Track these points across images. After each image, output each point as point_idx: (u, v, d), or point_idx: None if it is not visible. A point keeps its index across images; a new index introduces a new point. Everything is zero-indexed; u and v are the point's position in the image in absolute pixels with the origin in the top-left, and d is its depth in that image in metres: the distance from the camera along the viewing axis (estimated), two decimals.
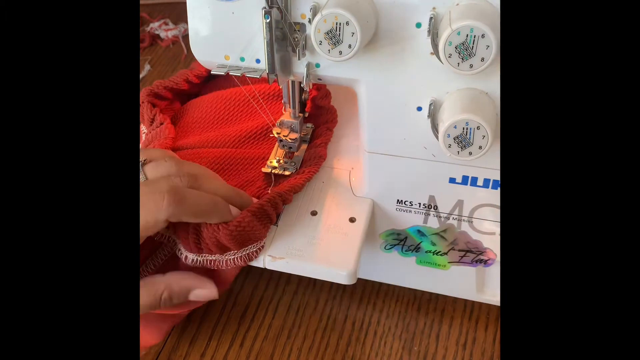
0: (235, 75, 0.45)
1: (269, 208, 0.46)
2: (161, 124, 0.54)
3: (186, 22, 0.87)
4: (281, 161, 0.53)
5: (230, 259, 0.45)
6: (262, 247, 0.47)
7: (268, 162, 0.53)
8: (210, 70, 0.58)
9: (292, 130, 0.52)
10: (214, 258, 0.46)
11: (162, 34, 0.86)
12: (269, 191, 0.50)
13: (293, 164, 0.52)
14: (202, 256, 0.46)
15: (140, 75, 0.81)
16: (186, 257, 0.46)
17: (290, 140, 0.52)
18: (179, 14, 0.89)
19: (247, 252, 0.46)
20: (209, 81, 0.62)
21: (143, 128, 0.57)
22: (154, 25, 0.87)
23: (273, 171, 0.52)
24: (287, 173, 0.52)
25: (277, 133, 0.52)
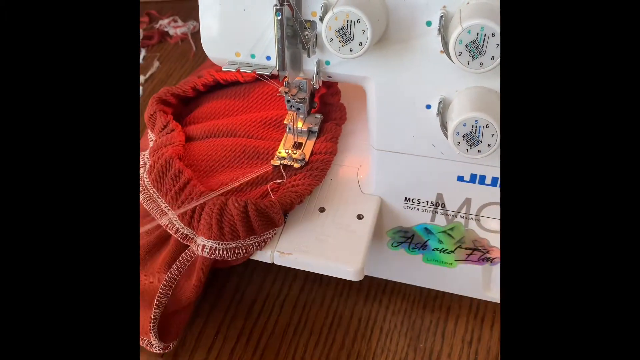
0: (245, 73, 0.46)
1: (296, 202, 0.48)
2: (172, 130, 0.55)
3: (195, 19, 0.88)
4: (290, 152, 0.53)
5: (250, 244, 0.47)
6: (275, 233, 0.48)
7: (277, 153, 0.53)
8: (215, 79, 0.59)
9: (300, 89, 0.51)
10: (233, 245, 0.46)
11: (171, 31, 0.87)
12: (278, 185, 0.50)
13: (302, 155, 0.52)
14: (222, 244, 0.46)
15: (149, 72, 0.82)
16: (203, 247, 0.46)
17: (298, 100, 0.51)
18: (188, 11, 0.90)
19: (265, 237, 0.47)
20: (216, 90, 0.62)
21: (151, 136, 0.57)
22: (163, 22, 0.88)
23: (282, 162, 0.52)
24: (296, 165, 0.52)
25: (285, 92, 0.51)
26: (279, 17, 0.41)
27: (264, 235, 0.47)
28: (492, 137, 0.39)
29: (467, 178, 0.46)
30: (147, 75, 0.81)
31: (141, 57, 0.84)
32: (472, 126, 0.39)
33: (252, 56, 0.45)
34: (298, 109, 0.52)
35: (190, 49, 0.85)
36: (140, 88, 0.79)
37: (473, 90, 0.41)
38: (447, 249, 0.52)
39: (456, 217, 0.49)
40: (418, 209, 0.50)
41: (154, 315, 0.47)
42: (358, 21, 0.38)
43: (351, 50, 0.39)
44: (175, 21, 0.88)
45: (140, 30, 0.87)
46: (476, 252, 0.51)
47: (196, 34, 0.87)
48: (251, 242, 0.47)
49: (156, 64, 0.83)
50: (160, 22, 0.88)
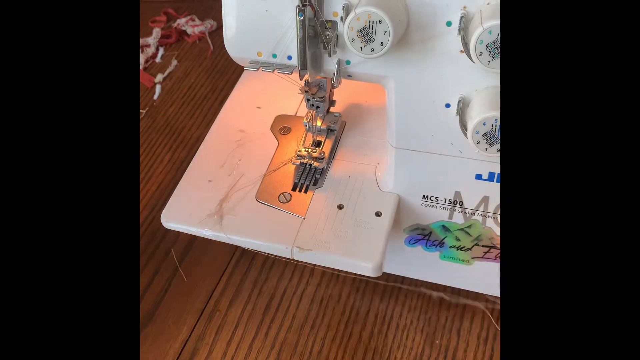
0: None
1: None
2: None
3: (213, 18, 0.89)
4: (309, 151, 0.54)
5: None
6: None
7: (297, 152, 0.54)
8: None
9: (320, 88, 0.52)
10: None
11: (189, 30, 0.88)
12: None
13: (322, 154, 0.53)
14: None
15: (167, 71, 0.83)
16: None
17: (317, 99, 0.52)
18: (205, 10, 0.91)
19: None
20: None
21: None
22: (181, 21, 0.89)
23: (302, 160, 0.53)
24: (316, 164, 0.53)
25: (305, 91, 0.52)
26: (301, 18, 0.42)
27: None
28: None
29: (485, 176, 0.47)
30: (165, 74, 0.82)
31: (159, 55, 0.85)
32: (492, 125, 0.40)
33: (274, 56, 0.46)
34: (317, 107, 0.53)
35: (208, 48, 0.86)
36: (159, 86, 0.81)
37: (492, 89, 0.42)
38: (464, 247, 0.52)
39: (474, 215, 0.50)
40: (436, 206, 0.50)
41: None
42: (380, 21, 0.39)
43: (372, 50, 0.40)
44: (193, 20, 0.89)
45: (158, 29, 0.88)
46: (493, 249, 0.52)
47: (214, 33, 0.88)
48: None
49: (174, 62, 0.84)
50: (178, 21, 0.89)
